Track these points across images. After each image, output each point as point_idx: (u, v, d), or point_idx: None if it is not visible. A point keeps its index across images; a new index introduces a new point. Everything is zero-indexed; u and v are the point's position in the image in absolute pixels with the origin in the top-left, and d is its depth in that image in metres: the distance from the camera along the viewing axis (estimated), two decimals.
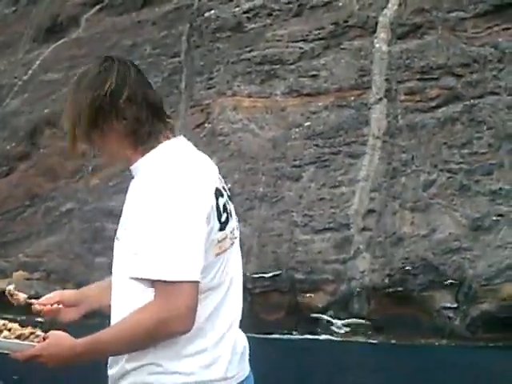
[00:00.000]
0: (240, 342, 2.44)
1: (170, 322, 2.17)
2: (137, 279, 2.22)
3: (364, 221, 18.76)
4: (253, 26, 21.46)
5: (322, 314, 18.77)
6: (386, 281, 18.20)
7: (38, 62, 23.97)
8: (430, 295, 17.98)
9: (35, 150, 22.34)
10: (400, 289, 18.11)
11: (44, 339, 2.26)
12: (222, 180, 2.46)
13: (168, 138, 2.37)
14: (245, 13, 21.67)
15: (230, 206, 2.42)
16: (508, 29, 19.16)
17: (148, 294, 2.23)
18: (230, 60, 21.16)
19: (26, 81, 23.84)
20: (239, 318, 2.43)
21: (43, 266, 20.09)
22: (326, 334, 18.63)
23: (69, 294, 2.63)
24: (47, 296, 2.56)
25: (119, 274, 2.34)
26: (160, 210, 2.15)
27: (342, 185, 19.22)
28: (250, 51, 21.06)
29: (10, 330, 2.29)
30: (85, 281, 20.12)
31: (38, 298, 2.43)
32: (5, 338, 2.26)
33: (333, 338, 18.65)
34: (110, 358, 2.37)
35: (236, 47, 21.24)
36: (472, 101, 18.73)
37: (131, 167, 2.37)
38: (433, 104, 19.12)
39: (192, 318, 2.20)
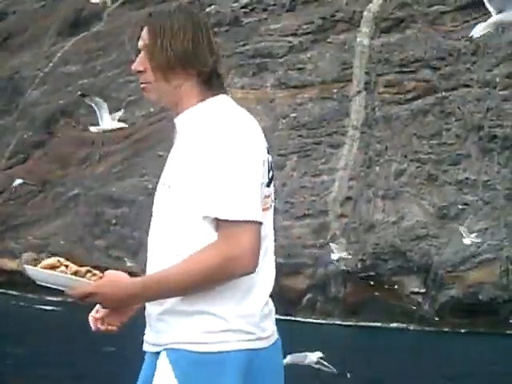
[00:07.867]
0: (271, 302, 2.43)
1: (235, 261, 2.19)
2: (204, 218, 2.24)
3: (341, 208, 19.63)
4: (249, 20, 22.43)
5: (302, 296, 19.76)
6: (359, 265, 19.07)
7: (58, 55, 25.42)
8: (399, 280, 18.78)
9: (50, 138, 23.85)
10: (372, 273, 18.97)
11: (101, 278, 2.22)
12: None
13: (222, 93, 2.39)
14: (242, 8, 22.65)
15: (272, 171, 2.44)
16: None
17: (194, 237, 2.25)
18: (225, 54, 22.17)
19: (46, 73, 25.32)
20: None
21: (49, 247, 21.59)
22: (304, 316, 19.62)
23: None
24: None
25: (163, 220, 2.32)
26: (223, 156, 2.22)
27: (322, 173, 20.10)
28: (243, 45, 22.05)
29: (66, 266, 2.20)
30: (86, 262, 21.63)
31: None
32: (61, 272, 2.17)
33: (311, 320, 19.63)
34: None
35: (232, 41, 22.24)
36: (444, 93, 19.31)
37: (178, 116, 2.37)
38: (409, 96, 19.77)
39: (256, 258, 2.22)
